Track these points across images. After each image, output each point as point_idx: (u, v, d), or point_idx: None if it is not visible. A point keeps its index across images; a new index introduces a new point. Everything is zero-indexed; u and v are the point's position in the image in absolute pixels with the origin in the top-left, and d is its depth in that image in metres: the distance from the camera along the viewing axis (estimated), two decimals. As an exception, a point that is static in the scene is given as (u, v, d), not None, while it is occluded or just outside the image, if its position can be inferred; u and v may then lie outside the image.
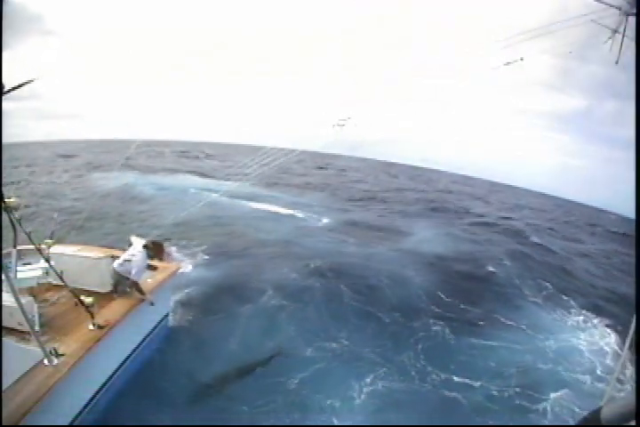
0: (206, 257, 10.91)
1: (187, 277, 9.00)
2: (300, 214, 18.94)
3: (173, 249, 10.58)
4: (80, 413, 4.13)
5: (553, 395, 6.56)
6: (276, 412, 5.37)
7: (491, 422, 5.81)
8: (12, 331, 4.05)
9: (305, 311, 8.39)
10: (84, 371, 3.93)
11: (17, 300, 3.37)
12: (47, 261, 4.30)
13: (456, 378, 6.68)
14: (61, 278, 4.28)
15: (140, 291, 5.14)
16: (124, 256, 5.25)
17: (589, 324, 9.79)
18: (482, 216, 24.93)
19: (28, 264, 5.37)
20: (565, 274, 14.34)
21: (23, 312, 3.47)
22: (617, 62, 4.00)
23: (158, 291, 5.61)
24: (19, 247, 4.58)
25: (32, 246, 4.13)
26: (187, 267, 9.80)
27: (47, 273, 5.18)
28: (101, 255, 5.66)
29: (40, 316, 4.37)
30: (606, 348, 8.57)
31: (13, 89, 2.76)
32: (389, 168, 75.91)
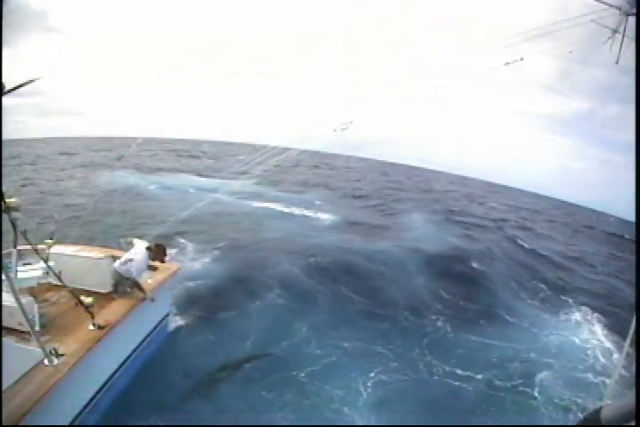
0: (214, 253, 11.04)
1: (191, 274, 9.11)
2: (300, 212, 19.11)
3: (174, 251, 10.65)
4: (80, 413, 4.12)
5: (549, 383, 6.92)
6: (287, 405, 5.47)
7: (493, 409, 6.03)
8: (12, 331, 4.05)
9: (310, 307, 8.55)
10: (84, 371, 3.93)
11: (17, 300, 3.37)
12: (45, 261, 4.30)
13: (459, 371, 6.90)
14: (59, 278, 4.28)
15: (141, 289, 5.16)
16: (126, 256, 5.25)
17: (584, 321, 9.98)
18: (478, 217, 24.98)
19: (29, 264, 5.36)
20: (560, 274, 14.43)
21: (23, 312, 3.47)
22: (617, 62, 4.00)
23: (158, 291, 5.61)
24: (19, 247, 4.57)
25: (36, 246, 4.13)
26: (193, 263, 10.02)
27: (47, 273, 5.18)
28: (102, 255, 5.65)
29: (40, 316, 4.37)
30: (595, 341, 8.87)
31: (14, 89, 2.76)
32: (388, 168, 76.19)
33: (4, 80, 2.62)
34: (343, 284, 9.97)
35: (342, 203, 23.64)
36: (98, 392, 4.47)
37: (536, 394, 6.60)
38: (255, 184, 22.29)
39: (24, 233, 3.89)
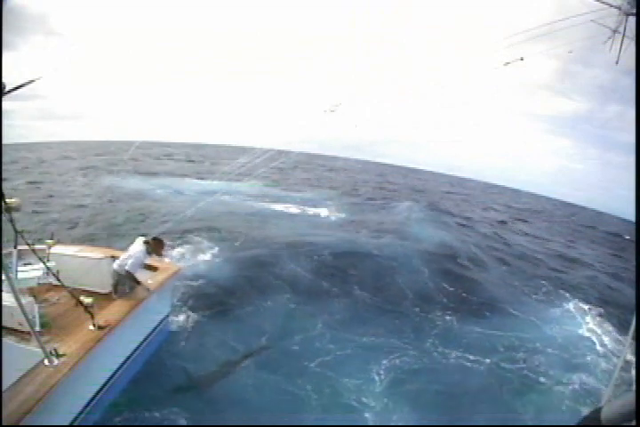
0: (224, 251, 11.24)
1: (200, 271, 9.32)
2: (305, 210, 19.71)
3: (186, 249, 10.97)
4: (80, 413, 4.12)
5: (555, 366, 7.40)
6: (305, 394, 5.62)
7: (504, 387, 6.49)
8: (12, 331, 4.05)
9: (322, 303, 8.70)
10: (84, 371, 3.93)
11: (17, 300, 3.37)
12: (43, 261, 4.30)
13: (470, 356, 7.32)
14: (58, 279, 4.28)
15: (136, 281, 5.13)
16: (124, 256, 5.25)
17: (586, 315, 10.23)
18: (477, 217, 25.06)
19: (29, 264, 5.37)
20: (560, 272, 14.67)
21: (23, 312, 3.47)
22: (617, 62, 4.00)
23: (158, 292, 5.60)
24: (19, 247, 4.57)
25: (34, 247, 4.13)
26: (204, 260, 10.42)
27: (48, 273, 5.18)
28: (102, 255, 5.66)
29: (40, 316, 4.37)
30: (597, 332, 9.17)
31: (14, 89, 2.75)
32: (386, 169, 76.54)
33: (4, 80, 2.62)
34: (352, 279, 10.26)
35: (345, 201, 24.21)
36: (98, 392, 4.47)
37: (543, 376, 6.99)
38: (260, 185, 23.13)
39: (21, 233, 3.89)
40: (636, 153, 2.23)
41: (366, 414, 5.42)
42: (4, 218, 3.20)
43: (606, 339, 8.86)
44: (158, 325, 6.09)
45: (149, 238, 5.44)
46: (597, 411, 1.33)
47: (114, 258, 5.49)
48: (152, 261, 5.94)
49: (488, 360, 7.22)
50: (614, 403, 1.34)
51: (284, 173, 32.88)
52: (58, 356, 3.71)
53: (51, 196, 17.66)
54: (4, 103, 2.68)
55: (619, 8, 3.72)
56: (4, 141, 2.97)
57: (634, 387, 1.29)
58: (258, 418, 5.09)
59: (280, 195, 23.36)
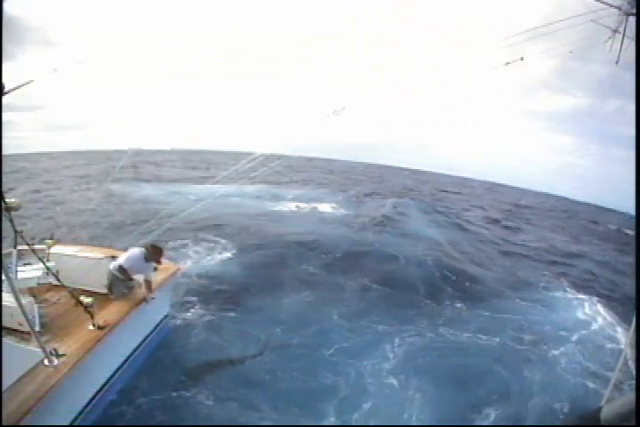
0: (238, 248, 11.63)
1: (210, 269, 9.56)
2: (311, 208, 20.72)
3: (203, 247, 11.40)
4: (80, 413, 4.12)
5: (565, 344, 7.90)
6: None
7: (515, 360, 6.92)
8: (12, 331, 4.04)
9: (336, 296, 8.94)
10: (84, 371, 3.92)
11: (17, 300, 3.37)
12: (42, 261, 4.30)
13: (481, 335, 7.83)
14: (58, 278, 4.28)
15: (129, 277, 5.12)
16: (121, 257, 5.25)
17: (591, 304, 10.55)
18: (476, 217, 25.16)
19: (29, 264, 5.36)
20: (561, 266, 14.86)
21: (23, 312, 3.47)
22: (617, 62, 3.99)
23: (158, 291, 5.60)
24: (19, 247, 4.57)
25: (34, 246, 4.13)
26: (218, 257, 10.82)
27: (47, 273, 5.18)
28: (102, 255, 5.65)
29: (40, 316, 4.37)
30: (601, 318, 9.52)
31: (14, 89, 2.76)
32: (385, 170, 77.04)
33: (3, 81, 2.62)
34: (362, 273, 10.54)
35: (348, 200, 25.06)
36: (98, 392, 4.47)
37: (554, 352, 7.49)
38: (264, 187, 24.52)
39: (20, 233, 3.89)
40: (635, 148, 2.22)
41: (386, 390, 5.76)
42: (4, 218, 3.20)
43: (610, 321, 9.32)
44: (158, 324, 6.09)
45: (148, 245, 5.42)
46: (597, 411, 1.33)
47: (114, 258, 5.49)
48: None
49: (497, 339, 7.73)
50: (614, 403, 1.35)
51: (285, 174, 33.24)
52: (58, 356, 3.72)
53: (55, 203, 17.82)
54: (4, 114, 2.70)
55: (619, 8, 3.72)
56: (4, 152, 2.98)
57: (634, 387, 1.30)
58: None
59: (286, 195, 24.37)
